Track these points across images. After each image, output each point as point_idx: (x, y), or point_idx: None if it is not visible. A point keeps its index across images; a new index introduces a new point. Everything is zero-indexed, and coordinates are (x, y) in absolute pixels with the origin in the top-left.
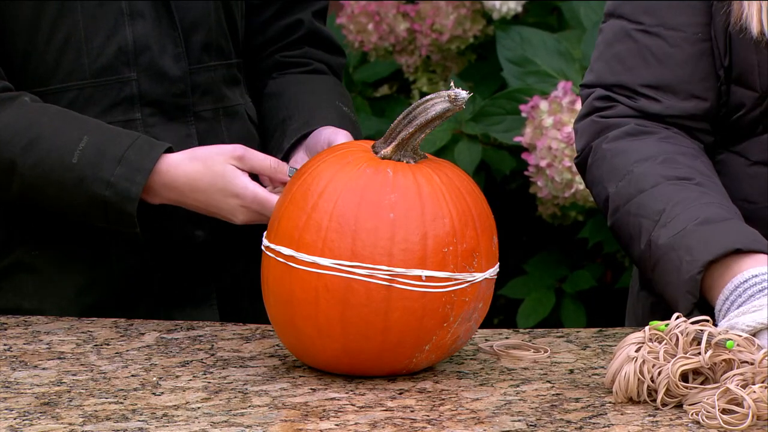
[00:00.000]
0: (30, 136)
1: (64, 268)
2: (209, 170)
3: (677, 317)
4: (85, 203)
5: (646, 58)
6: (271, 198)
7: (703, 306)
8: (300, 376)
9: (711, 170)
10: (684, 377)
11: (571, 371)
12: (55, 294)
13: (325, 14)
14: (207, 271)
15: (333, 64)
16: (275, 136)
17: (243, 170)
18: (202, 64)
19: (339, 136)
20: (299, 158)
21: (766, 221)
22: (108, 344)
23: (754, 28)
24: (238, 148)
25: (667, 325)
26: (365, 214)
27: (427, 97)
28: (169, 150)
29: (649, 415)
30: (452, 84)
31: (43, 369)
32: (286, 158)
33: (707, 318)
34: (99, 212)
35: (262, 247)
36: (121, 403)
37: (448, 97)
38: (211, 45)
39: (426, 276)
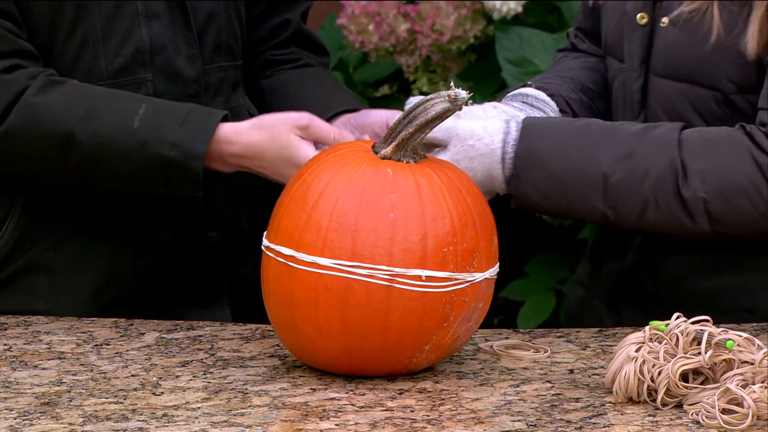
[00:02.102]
0: (87, 106)
1: (80, 268)
2: (275, 140)
3: (677, 317)
4: (148, 167)
5: (583, 6)
6: None
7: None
8: (300, 376)
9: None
10: (684, 377)
11: (571, 371)
12: (70, 295)
13: (307, 15)
14: (219, 272)
15: (319, 65)
16: None
17: (307, 140)
18: (214, 65)
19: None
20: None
21: None
22: (108, 344)
23: None
24: (303, 117)
25: (667, 325)
26: (365, 214)
27: (427, 96)
28: (225, 118)
29: (649, 415)
30: (452, 84)
31: (43, 369)
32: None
33: (707, 318)
34: (161, 175)
35: (262, 247)
36: (121, 403)
37: (448, 97)
38: (221, 45)
39: (426, 276)
